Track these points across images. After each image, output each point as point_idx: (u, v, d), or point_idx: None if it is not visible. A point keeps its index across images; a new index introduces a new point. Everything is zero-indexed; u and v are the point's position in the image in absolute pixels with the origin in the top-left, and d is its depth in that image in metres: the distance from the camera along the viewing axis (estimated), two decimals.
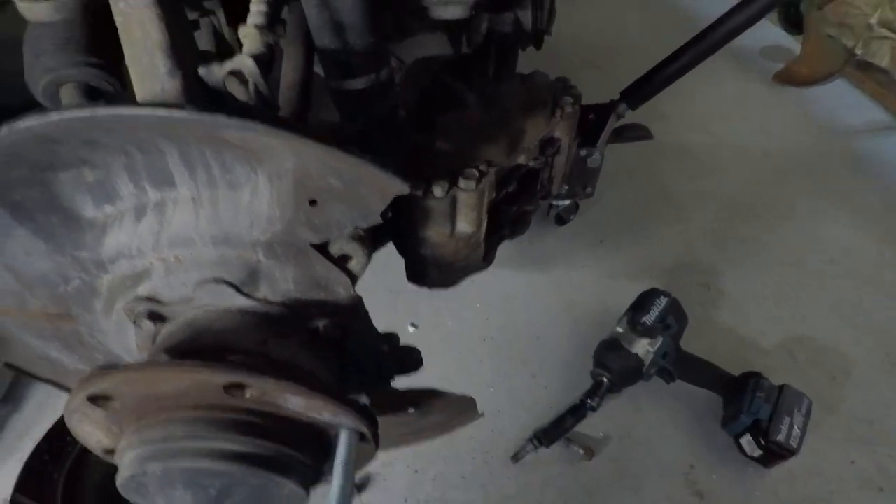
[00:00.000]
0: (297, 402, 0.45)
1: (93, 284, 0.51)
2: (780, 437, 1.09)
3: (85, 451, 1.11)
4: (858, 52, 1.96)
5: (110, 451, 0.50)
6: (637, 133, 1.58)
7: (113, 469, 1.10)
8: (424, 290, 1.49)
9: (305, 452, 0.48)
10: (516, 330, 1.42)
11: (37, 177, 0.44)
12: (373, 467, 1.20)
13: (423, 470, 1.20)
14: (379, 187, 0.43)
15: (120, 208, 0.47)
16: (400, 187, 0.43)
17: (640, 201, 1.73)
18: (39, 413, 1.26)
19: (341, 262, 0.50)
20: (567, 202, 1.59)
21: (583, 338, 1.34)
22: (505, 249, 1.58)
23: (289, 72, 0.73)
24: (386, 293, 1.47)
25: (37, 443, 1.11)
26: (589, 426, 1.23)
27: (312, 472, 0.50)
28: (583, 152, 1.47)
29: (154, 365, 0.45)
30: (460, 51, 0.84)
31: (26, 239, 0.48)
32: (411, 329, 1.43)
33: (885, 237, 1.62)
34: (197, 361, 0.42)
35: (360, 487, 1.17)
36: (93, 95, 0.60)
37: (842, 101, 2.07)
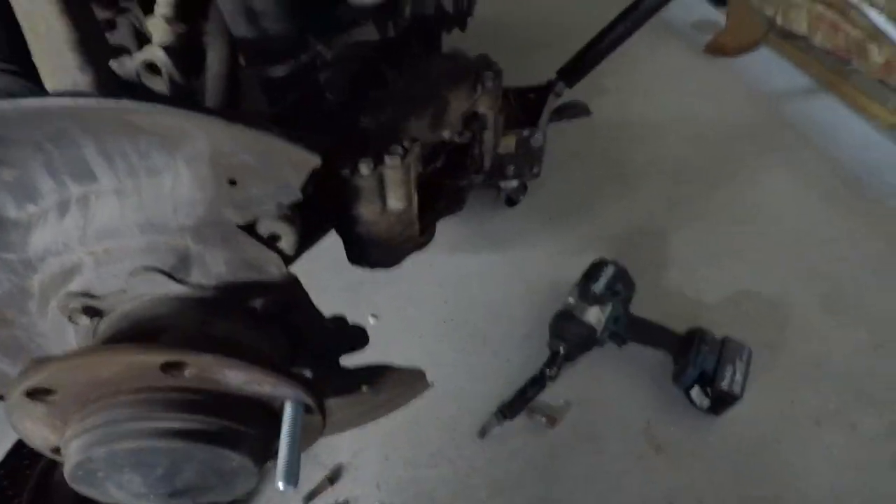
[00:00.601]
0: (236, 377, 0.46)
1: (23, 286, 0.51)
2: (724, 385, 1.16)
3: (45, 475, 1.09)
4: (778, 20, 2.07)
5: (58, 450, 0.50)
6: (576, 110, 1.64)
7: (75, 493, 1.08)
8: (382, 281, 1.51)
9: (252, 426, 0.50)
10: (475, 310, 1.45)
11: None
12: (343, 457, 1.22)
13: (393, 454, 1.22)
14: (291, 161, 0.45)
15: (42, 206, 0.48)
16: (311, 159, 0.45)
17: (587, 177, 1.79)
18: None
19: (270, 241, 0.51)
20: (515, 183, 1.63)
21: (539, 312, 1.38)
22: (459, 232, 1.63)
23: (214, 62, 0.73)
24: (345, 288, 1.48)
25: None
26: (550, 395, 1.27)
27: (261, 445, 0.52)
28: (525, 132, 1.52)
29: (89, 351, 0.46)
30: (386, 35, 0.86)
31: None
32: (372, 320, 1.45)
33: (818, 191, 1.73)
34: (132, 344, 0.43)
35: (332, 479, 1.18)
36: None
37: (768, 68, 2.18)
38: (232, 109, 0.63)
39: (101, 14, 0.69)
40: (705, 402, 1.20)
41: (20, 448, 1.11)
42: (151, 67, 0.49)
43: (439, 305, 1.47)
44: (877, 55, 1.76)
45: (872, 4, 1.57)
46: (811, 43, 1.98)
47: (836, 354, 1.34)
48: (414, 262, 1.62)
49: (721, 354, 1.21)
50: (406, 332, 1.42)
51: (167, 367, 0.44)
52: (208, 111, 0.41)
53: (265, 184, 0.46)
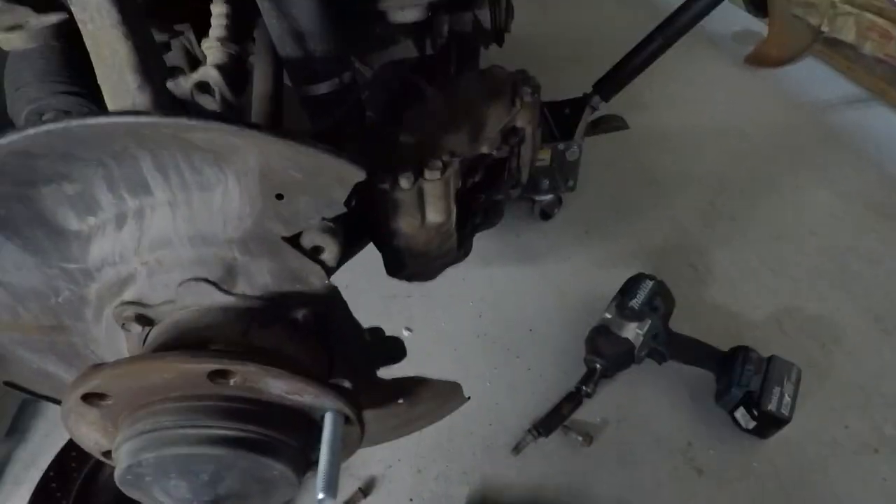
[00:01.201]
0: (279, 386, 0.47)
1: (81, 294, 0.54)
2: (772, 407, 1.11)
3: (91, 478, 1.13)
4: (824, 29, 2.00)
5: (108, 453, 0.52)
6: (613, 124, 1.62)
7: (120, 494, 1.12)
8: (417, 294, 1.52)
9: (293, 436, 0.50)
10: (509, 324, 1.44)
11: (19, 192, 0.47)
12: (376, 470, 1.22)
13: (426, 469, 1.22)
14: (337, 176, 0.46)
15: (102, 218, 0.50)
16: (356, 174, 0.46)
17: (623, 189, 1.76)
18: (45, 443, 1.27)
19: (314, 253, 0.52)
20: (550, 197, 1.62)
21: (574, 327, 1.36)
22: (493, 246, 1.63)
23: (260, 82, 0.76)
24: (380, 299, 1.50)
25: (43, 472, 1.12)
26: (586, 412, 1.25)
27: (302, 456, 0.53)
28: (561, 146, 1.51)
29: (140, 358, 0.48)
30: (425, 52, 0.87)
31: (15, 253, 0.50)
32: (406, 333, 1.45)
33: (863, 205, 1.65)
34: (180, 351, 0.45)
35: (366, 491, 1.18)
36: None
37: (812, 77, 2.11)
38: (282, 126, 0.65)
39: (158, 37, 0.72)
40: (751, 424, 1.15)
41: (69, 450, 1.15)
42: (204, 87, 0.51)
43: (473, 319, 1.46)
44: None
45: None
46: (860, 52, 1.91)
47: (892, 379, 1.27)
48: (448, 276, 1.63)
49: (767, 374, 1.16)
50: (440, 346, 1.41)
51: (214, 376, 0.45)
52: (259, 128, 0.42)
53: (311, 198, 0.48)
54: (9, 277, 0.52)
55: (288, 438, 0.50)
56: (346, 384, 0.52)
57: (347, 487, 1.19)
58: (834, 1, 1.92)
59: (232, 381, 0.46)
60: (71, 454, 1.15)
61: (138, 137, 0.43)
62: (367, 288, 1.34)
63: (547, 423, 1.21)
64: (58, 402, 0.70)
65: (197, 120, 0.41)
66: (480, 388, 1.32)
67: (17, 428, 1.30)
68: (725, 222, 1.64)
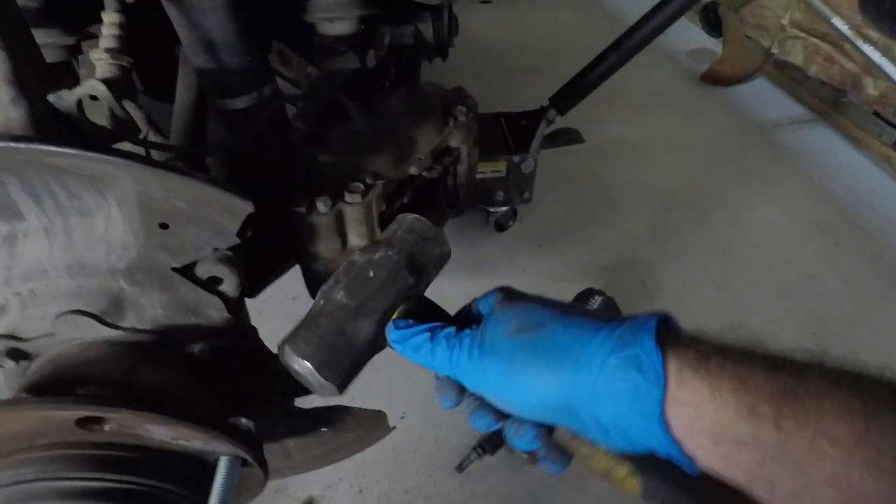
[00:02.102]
0: (161, 432, 0.43)
1: None
2: None
3: None
4: (775, 51, 2.07)
5: None
6: (569, 137, 1.63)
7: None
8: None
9: (181, 484, 0.46)
10: None
11: None
12: (315, 490, 1.18)
13: (368, 489, 1.18)
14: (225, 207, 0.43)
15: None
16: (243, 206, 0.43)
17: (578, 203, 1.77)
18: None
19: (211, 283, 0.49)
20: (505, 209, 1.61)
21: None
22: None
23: (182, 92, 0.72)
24: None
25: None
26: None
27: (191, 502, 0.49)
28: (516, 158, 1.50)
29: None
30: (365, 64, 0.84)
31: None
32: None
33: (805, 222, 1.71)
34: (42, 398, 0.40)
35: None
36: None
37: (762, 97, 2.17)
38: (163, 148, 0.61)
39: (64, 39, 0.67)
40: None
41: None
42: (94, 99, 0.47)
43: None
44: (871, 88, 1.75)
45: (867, 39, 1.56)
46: (806, 74, 1.98)
47: None
48: None
49: None
50: (388, 359, 1.38)
51: (84, 422, 0.41)
52: (130, 156, 0.38)
53: (199, 228, 0.44)
54: None
55: (174, 487, 0.46)
56: (246, 423, 0.48)
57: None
58: (783, 24, 1.98)
59: (107, 428, 0.42)
60: None
61: None
62: (302, 305, 1.30)
63: (493, 441, 1.19)
64: None
65: (53, 147, 0.37)
66: (427, 404, 1.29)
67: None
68: (674, 236, 1.67)
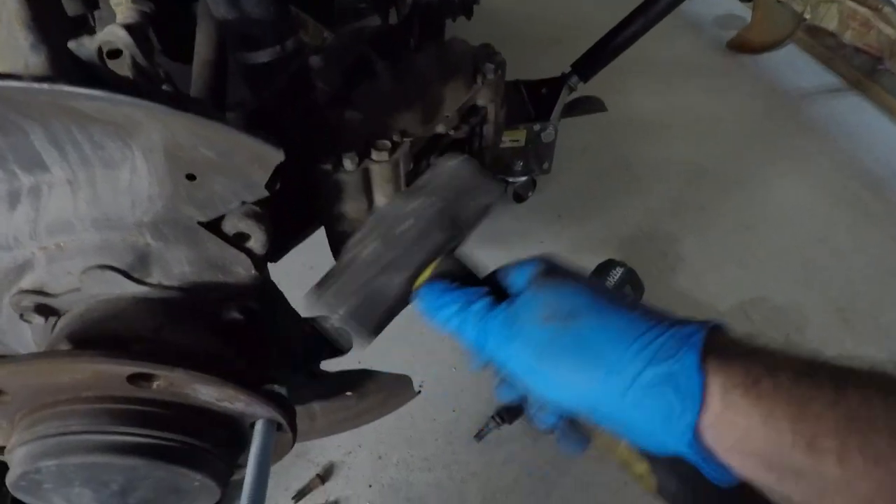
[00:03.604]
0: (208, 393, 0.43)
1: None
2: None
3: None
4: (807, 16, 1.98)
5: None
6: (591, 106, 1.58)
7: None
8: None
9: (218, 443, 0.46)
10: None
11: None
12: (335, 456, 1.19)
13: (387, 455, 1.19)
14: (254, 156, 0.41)
15: None
16: (274, 154, 0.41)
17: (598, 174, 1.73)
18: None
19: (238, 240, 0.47)
20: (524, 179, 1.58)
21: None
22: None
23: (202, 49, 0.70)
24: None
25: None
26: None
27: (226, 463, 0.49)
28: (536, 127, 1.46)
29: (49, 355, 0.43)
30: (387, 22, 0.81)
31: None
32: None
33: (834, 197, 1.65)
34: (99, 351, 0.40)
35: (324, 478, 1.16)
36: None
37: (793, 65, 2.09)
38: (188, 96, 0.59)
39: None
40: None
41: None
42: (115, 51, 0.45)
43: None
44: None
45: None
46: (841, 41, 1.90)
47: None
48: None
49: None
50: (406, 330, 1.38)
51: (135, 378, 0.40)
52: (159, 99, 0.37)
53: (227, 179, 0.43)
54: None
55: (212, 447, 0.46)
56: (281, 389, 0.48)
57: (305, 474, 1.16)
58: None
59: (154, 385, 0.41)
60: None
61: (16, 106, 0.37)
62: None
63: (511, 410, 1.19)
64: None
65: (80, 87, 0.35)
66: (445, 374, 1.29)
67: None
68: (697, 210, 1.63)
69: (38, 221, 0.44)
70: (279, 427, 0.49)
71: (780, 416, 0.35)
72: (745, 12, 2.19)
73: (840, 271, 1.48)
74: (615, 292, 0.47)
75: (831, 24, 1.90)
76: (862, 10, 1.78)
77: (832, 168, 1.74)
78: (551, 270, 0.47)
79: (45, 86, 0.35)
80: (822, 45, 2.03)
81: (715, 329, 0.41)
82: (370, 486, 1.16)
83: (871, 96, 1.91)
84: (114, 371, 0.41)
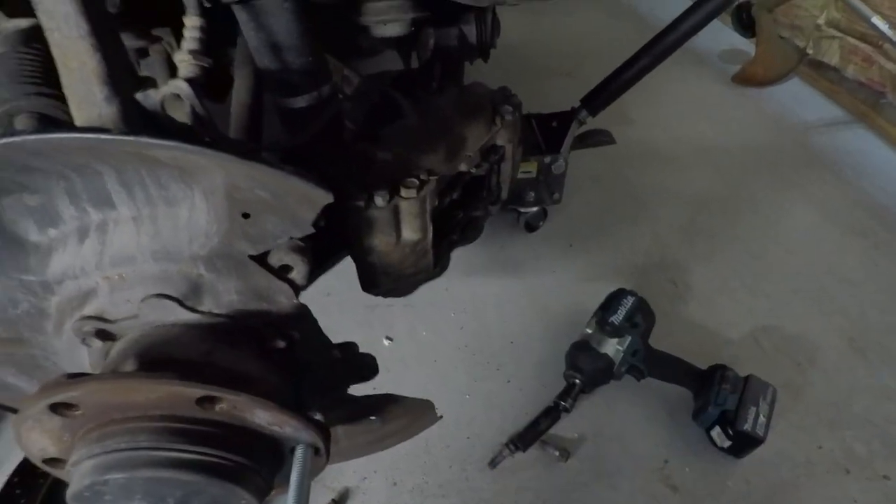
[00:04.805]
0: (263, 417, 0.46)
1: (41, 307, 0.53)
2: (747, 427, 1.12)
3: (57, 486, 1.10)
4: (810, 51, 2.04)
5: (52, 461, 0.51)
6: (600, 139, 1.63)
7: None
8: (399, 303, 1.51)
9: (263, 465, 0.49)
10: (490, 336, 1.44)
11: None
12: (350, 481, 1.20)
13: (402, 482, 1.21)
14: (304, 197, 0.45)
15: (63, 231, 0.49)
16: (324, 196, 0.45)
17: (608, 204, 1.77)
18: (10, 450, 1.24)
19: (282, 272, 0.51)
20: (535, 209, 1.63)
21: (555, 340, 1.36)
22: (477, 258, 1.62)
23: (240, 92, 0.75)
24: (361, 308, 1.48)
25: (7, 477, 1.10)
26: (563, 428, 1.24)
27: (266, 484, 0.52)
28: (547, 159, 1.52)
29: (127, 376, 0.47)
30: (409, 65, 0.87)
31: None
32: (386, 342, 1.44)
33: (843, 225, 1.68)
34: (173, 374, 0.44)
35: (339, 503, 1.17)
36: (48, 124, 0.62)
37: (797, 98, 2.14)
38: (249, 144, 0.64)
39: (135, 43, 0.71)
40: (726, 443, 1.15)
41: None
42: (176, 97, 0.50)
43: (454, 331, 1.46)
44: None
45: None
46: (843, 75, 1.95)
47: (863, 398, 1.29)
48: (431, 286, 1.61)
49: (744, 393, 1.16)
50: (420, 357, 1.41)
51: (202, 401, 0.44)
52: (225, 148, 0.41)
53: (278, 218, 0.47)
54: None
55: (258, 467, 0.49)
56: (319, 417, 0.52)
57: (321, 499, 1.17)
58: (819, 24, 1.96)
59: (217, 408, 0.45)
60: None
61: (99, 153, 0.42)
62: (349, 297, 1.32)
63: (524, 438, 1.21)
64: (14, 411, 0.68)
65: (158, 139, 0.40)
66: (459, 401, 1.31)
67: None
68: (706, 239, 1.66)
69: (103, 254, 0.49)
70: (317, 451, 0.52)
71: None
72: (749, 47, 2.26)
73: (850, 300, 1.49)
74: None
75: (833, 59, 1.96)
76: (863, 46, 1.84)
77: (839, 198, 1.77)
78: None
79: (131, 138, 0.39)
80: (825, 78, 2.09)
81: None
82: None
83: (875, 128, 1.95)
84: (186, 393, 0.45)
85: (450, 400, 1.31)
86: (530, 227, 1.67)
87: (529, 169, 1.53)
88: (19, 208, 0.47)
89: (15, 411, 0.67)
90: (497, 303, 1.51)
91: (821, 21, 1.96)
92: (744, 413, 1.13)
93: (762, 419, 1.13)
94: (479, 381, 1.35)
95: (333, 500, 1.17)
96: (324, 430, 0.50)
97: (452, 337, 1.44)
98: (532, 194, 1.58)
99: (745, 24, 2.12)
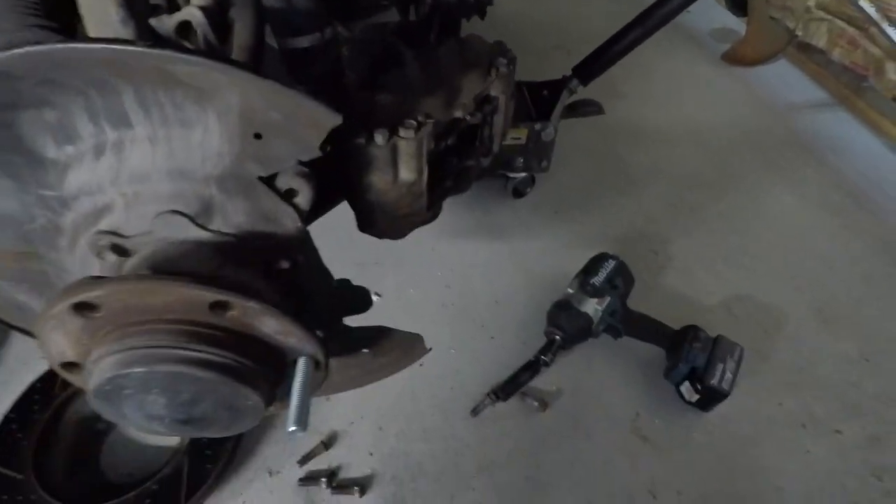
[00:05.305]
0: (271, 325, 0.50)
1: (57, 222, 0.55)
2: (714, 382, 1.19)
3: (52, 421, 1.14)
4: (798, 33, 2.08)
5: (69, 365, 0.54)
6: (589, 108, 1.67)
7: (81, 437, 1.12)
8: (388, 262, 1.55)
9: (269, 372, 0.54)
10: (475, 296, 1.49)
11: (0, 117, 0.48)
12: (338, 425, 1.26)
13: (387, 426, 1.26)
14: (314, 120, 0.49)
15: (80, 148, 0.52)
16: (333, 118, 0.48)
17: (595, 175, 1.82)
18: (2, 390, 1.27)
19: (287, 195, 0.55)
20: (523, 175, 1.66)
21: (538, 301, 1.42)
22: (464, 221, 1.66)
23: (241, 35, 0.77)
24: (352, 266, 1.52)
25: (4, 414, 1.13)
26: (543, 381, 1.31)
27: (271, 392, 0.56)
28: (537, 126, 1.55)
29: (147, 278, 0.50)
30: (407, 19, 0.89)
31: None
32: (375, 298, 1.48)
33: (819, 206, 1.75)
34: (189, 278, 0.47)
35: (327, 444, 1.23)
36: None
37: (784, 80, 2.19)
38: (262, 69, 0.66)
39: None
40: (694, 397, 1.23)
41: (30, 394, 1.16)
42: (186, 29, 0.53)
43: (441, 289, 1.50)
44: (893, 73, 1.77)
45: (893, 23, 1.58)
46: (829, 57, 2.00)
47: (825, 364, 1.37)
48: (419, 247, 1.67)
49: (713, 352, 1.23)
50: (406, 312, 1.45)
51: (215, 306, 0.48)
52: (244, 67, 0.44)
53: (288, 141, 0.50)
54: None
55: (265, 373, 0.53)
56: (321, 333, 0.56)
57: (309, 441, 1.23)
58: (809, 6, 1.99)
59: (228, 315, 0.49)
60: (33, 398, 1.15)
61: (121, 68, 0.44)
62: (338, 254, 1.35)
63: (505, 389, 1.26)
64: (25, 332, 0.71)
65: (182, 54, 0.43)
66: (444, 354, 1.37)
67: None
68: (689, 213, 1.72)
69: (119, 171, 0.51)
70: (317, 365, 0.56)
71: None
72: (740, 26, 2.29)
73: (821, 274, 1.57)
74: None
75: (821, 41, 2.00)
76: (850, 29, 1.89)
77: (818, 178, 1.84)
78: None
79: (156, 51, 0.42)
80: (813, 60, 2.14)
81: None
82: (371, 454, 1.23)
83: (856, 112, 2.01)
84: (201, 297, 0.48)
85: (435, 353, 1.35)
86: (518, 192, 1.71)
87: (519, 135, 1.56)
88: (38, 124, 0.50)
89: (27, 332, 0.70)
90: (483, 264, 1.56)
91: (811, 3, 1.99)
92: (712, 370, 1.20)
93: (728, 375, 1.21)
94: (463, 337, 1.41)
95: (322, 441, 1.22)
96: (325, 345, 0.55)
97: (438, 295, 1.49)
98: (521, 160, 1.61)
99: (738, 3, 2.15)
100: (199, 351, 0.49)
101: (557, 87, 1.55)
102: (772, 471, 1.19)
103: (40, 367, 1.22)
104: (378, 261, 1.56)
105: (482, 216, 1.69)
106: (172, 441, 1.17)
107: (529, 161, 1.62)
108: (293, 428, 0.53)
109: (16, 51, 0.42)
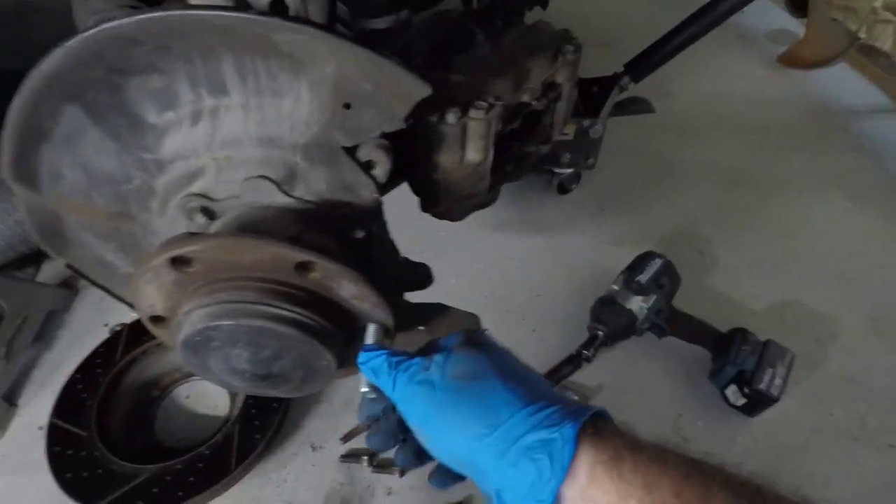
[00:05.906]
0: (348, 289, 0.53)
1: (151, 184, 0.59)
2: (763, 386, 1.16)
3: (114, 383, 1.20)
4: (862, 35, 2.00)
5: (156, 318, 0.57)
6: (639, 106, 1.65)
7: (138, 402, 1.17)
8: (430, 252, 1.55)
9: (343, 335, 0.56)
10: (517, 288, 1.49)
11: (109, 79, 0.51)
12: None
13: None
14: (403, 91, 0.50)
15: (179, 114, 0.55)
16: (423, 89, 0.50)
17: (641, 173, 1.80)
18: (68, 352, 1.34)
19: (367, 167, 0.57)
20: (569, 171, 1.66)
21: (580, 296, 1.41)
22: (509, 214, 1.67)
23: (315, 14, 0.80)
24: None
25: (70, 375, 1.20)
26: (584, 376, 1.30)
27: (342, 354, 0.58)
28: (585, 123, 1.54)
29: (241, 235, 0.53)
30: (471, 7, 0.90)
31: (97, 138, 0.55)
32: None
33: (874, 213, 1.69)
34: (278, 239, 0.50)
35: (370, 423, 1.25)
36: None
37: (842, 84, 2.12)
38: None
39: None
40: (740, 401, 1.20)
41: (94, 357, 1.22)
42: (278, 6, 0.55)
43: (483, 280, 1.51)
44: None
45: None
46: (894, 61, 1.92)
47: (879, 376, 1.32)
48: (461, 238, 1.68)
49: (763, 356, 1.21)
50: (449, 302, 1.46)
51: (299, 267, 0.50)
52: (343, 36, 0.46)
53: (375, 111, 0.52)
54: (88, 160, 0.57)
55: (340, 336, 0.55)
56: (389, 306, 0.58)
57: (352, 421, 1.25)
58: (876, 7, 1.91)
59: (311, 276, 0.51)
60: (96, 360, 1.22)
61: (229, 35, 0.47)
62: None
63: (547, 379, 1.26)
64: (108, 290, 0.75)
65: (287, 22, 0.45)
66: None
67: (43, 336, 1.37)
68: (736, 215, 1.68)
69: (214, 136, 0.54)
70: (386, 333, 0.58)
71: (633, 496, 0.40)
72: (798, 28, 2.22)
73: (875, 283, 1.51)
74: (524, 367, 0.53)
75: (886, 44, 1.92)
76: None
77: (872, 185, 1.77)
78: (475, 342, 0.53)
79: (268, 18, 0.45)
80: (876, 65, 2.06)
81: (599, 414, 0.47)
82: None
83: None
84: (289, 256, 0.51)
85: None
86: (563, 188, 1.71)
87: (567, 131, 1.55)
88: (144, 90, 0.53)
89: (107, 290, 0.75)
90: (525, 258, 1.56)
91: (878, 4, 1.91)
92: (761, 373, 1.18)
93: (778, 381, 1.18)
94: (504, 328, 1.38)
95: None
96: (395, 313, 0.56)
97: (480, 286, 1.50)
98: (567, 156, 1.61)
99: (797, 4, 2.09)
100: (285, 309, 0.52)
101: (608, 83, 1.54)
102: (819, 481, 1.16)
103: (102, 334, 1.29)
104: (420, 250, 1.58)
105: (526, 211, 1.69)
106: (221, 411, 1.22)
107: (576, 157, 1.61)
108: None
109: (140, 16, 0.45)
